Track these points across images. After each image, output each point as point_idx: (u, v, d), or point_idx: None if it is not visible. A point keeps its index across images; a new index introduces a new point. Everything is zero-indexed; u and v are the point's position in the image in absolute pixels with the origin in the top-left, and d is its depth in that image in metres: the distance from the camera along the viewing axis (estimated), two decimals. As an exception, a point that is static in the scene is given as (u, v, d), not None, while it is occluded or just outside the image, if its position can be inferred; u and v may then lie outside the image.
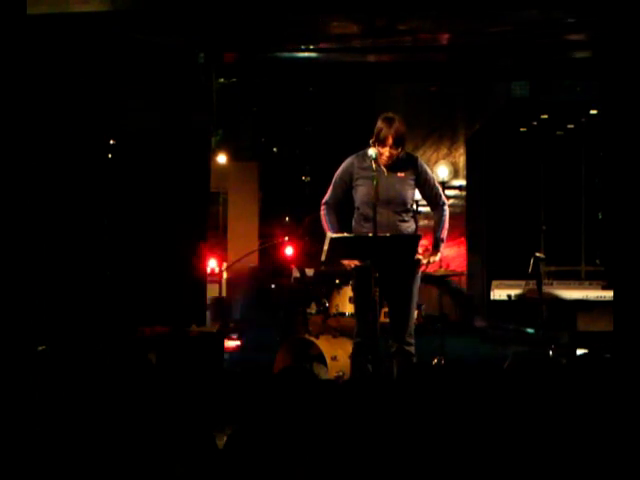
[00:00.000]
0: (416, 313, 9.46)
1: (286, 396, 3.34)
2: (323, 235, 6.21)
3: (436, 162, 13.23)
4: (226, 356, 8.02)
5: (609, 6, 6.76)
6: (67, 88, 7.97)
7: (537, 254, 7.67)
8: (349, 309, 7.62)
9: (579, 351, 8.23)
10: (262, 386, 3.69)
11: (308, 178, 13.09)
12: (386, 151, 5.99)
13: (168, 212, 8.47)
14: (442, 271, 9.85)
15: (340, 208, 6.26)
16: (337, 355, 7.38)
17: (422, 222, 7.36)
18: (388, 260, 5.88)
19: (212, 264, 11.07)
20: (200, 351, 6.96)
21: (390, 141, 5.99)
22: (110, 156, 8.49)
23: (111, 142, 8.50)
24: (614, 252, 6.49)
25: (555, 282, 8.87)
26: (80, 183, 8.14)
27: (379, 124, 6.05)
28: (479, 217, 11.98)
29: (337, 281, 7.92)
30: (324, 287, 8.18)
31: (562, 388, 3.53)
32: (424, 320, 9.78)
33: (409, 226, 6.14)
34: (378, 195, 5.80)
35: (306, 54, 9.15)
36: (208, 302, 9.54)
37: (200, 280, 8.95)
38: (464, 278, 11.94)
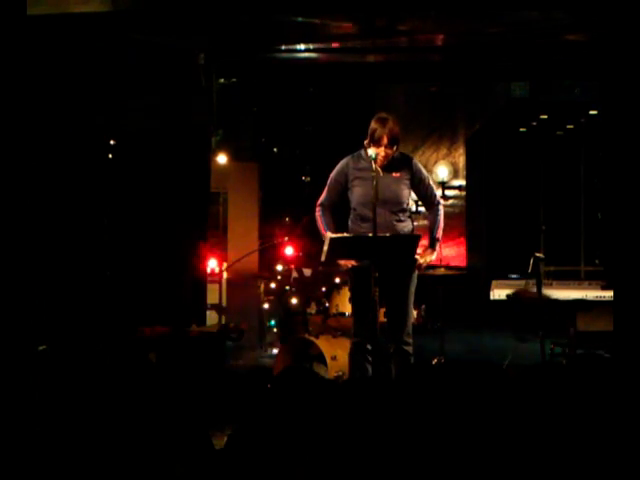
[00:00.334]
0: (416, 313, 9.50)
1: (286, 396, 3.34)
2: (321, 235, 6.23)
3: (436, 162, 13.24)
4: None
5: (609, 6, 6.76)
6: (67, 88, 7.97)
7: (537, 254, 7.67)
8: (349, 309, 7.62)
9: (579, 351, 8.24)
10: (262, 386, 3.70)
11: (308, 178, 13.09)
12: (381, 151, 5.99)
13: (168, 212, 8.47)
14: (442, 271, 9.86)
15: (335, 209, 6.27)
16: (337, 355, 7.39)
17: (423, 222, 7.37)
18: (387, 260, 5.88)
19: (212, 264, 11.08)
20: (200, 351, 6.96)
21: (385, 141, 5.98)
22: (110, 156, 8.49)
23: (111, 142, 8.50)
24: (614, 252, 6.49)
25: (555, 282, 8.87)
26: (80, 183, 8.14)
27: (373, 124, 6.05)
28: (479, 217, 11.99)
29: (337, 281, 7.93)
30: (322, 287, 8.19)
31: (562, 388, 3.54)
32: (424, 320, 9.79)
33: (405, 226, 6.15)
34: (377, 195, 5.80)
35: (306, 54, 9.14)
36: None
37: (200, 280, 8.96)
38: (464, 278, 11.94)
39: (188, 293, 8.53)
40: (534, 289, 7.87)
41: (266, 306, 12.28)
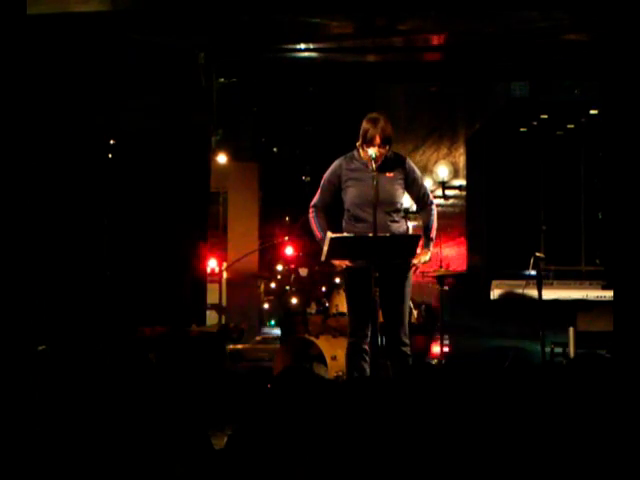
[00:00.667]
0: (416, 313, 9.51)
1: (286, 396, 3.34)
2: (314, 236, 6.23)
3: (436, 162, 13.24)
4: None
5: (609, 6, 6.76)
6: (67, 88, 7.97)
7: (537, 254, 7.67)
8: (349, 309, 7.63)
9: (579, 351, 8.24)
10: (262, 386, 3.70)
11: (308, 178, 13.11)
12: (375, 152, 5.98)
13: (168, 212, 8.47)
14: (442, 271, 9.86)
15: (328, 210, 6.25)
16: (337, 355, 7.39)
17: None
18: (387, 260, 5.88)
19: (212, 264, 11.10)
20: (200, 351, 6.96)
21: (378, 141, 5.96)
22: (110, 156, 8.49)
23: (111, 142, 8.50)
24: (614, 252, 6.49)
25: (555, 282, 8.87)
26: (80, 183, 8.15)
27: (364, 125, 6.03)
28: (479, 217, 11.99)
29: (337, 281, 7.94)
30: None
31: (562, 388, 3.54)
32: (424, 320, 9.80)
33: (400, 226, 6.14)
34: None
35: (306, 54, 9.15)
36: None
37: (200, 280, 8.96)
38: (464, 278, 11.96)
39: (188, 293, 8.53)
40: (534, 289, 7.87)
41: (266, 306, 12.29)
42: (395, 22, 8.01)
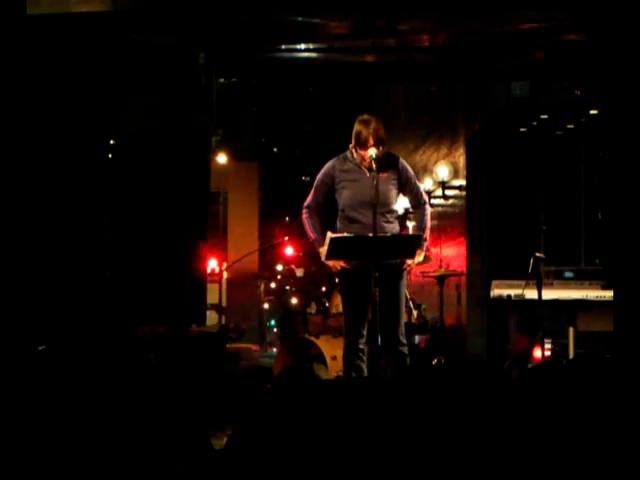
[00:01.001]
0: (416, 313, 9.52)
1: (286, 396, 3.34)
2: (308, 237, 6.24)
3: (436, 162, 13.24)
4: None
5: (609, 6, 6.76)
6: (67, 88, 7.97)
7: (537, 254, 7.67)
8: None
9: (579, 351, 8.23)
10: (262, 386, 3.70)
11: (308, 178, 13.12)
12: (368, 153, 5.97)
13: (168, 212, 8.47)
14: (442, 271, 9.87)
15: (321, 211, 6.26)
16: (337, 355, 7.40)
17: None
18: (386, 260, 5.89)
19: (212, 264, 11.11)
20: (200, 351, 6.96)
21: (371, 142, 5.96)
22: (110, 156, 8.49)
23: (111, 142, 8.50)
24: (614, 252, 6.49)
25: (555, 282, 8.87)
26: (80, 183, 8.15)
27: (357, 127, 6.03)
28: (479, 217, 11.99)
29: (337, 281, 7.94)
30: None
31: (562, 388, 3.54)
32: (424, 320, 9.81)
33: (394, 227, 6.14)
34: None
35: (306, 54, 9.15)
36: None
37: (200, 280, 8.96)
38: (464, 278, 11.96)
39: (188, 293, 8.53)
40: (534, 289, 7.88)
41: (266, 306, 12.31)
42: (395, 22, 8.01)
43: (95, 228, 8.21)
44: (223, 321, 16.60)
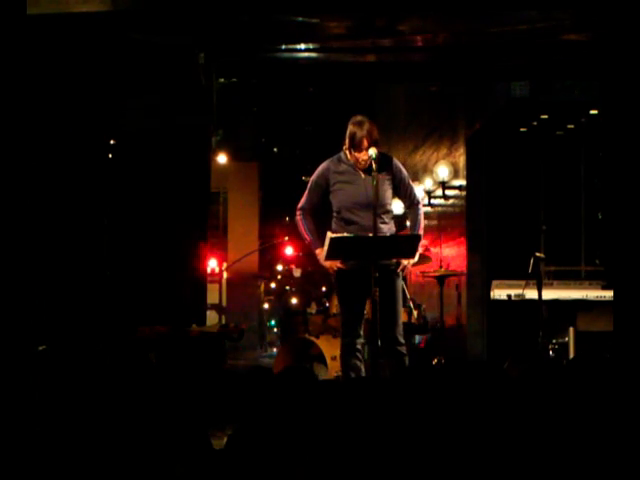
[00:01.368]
0: (416, 313, 9.51)
1: (286, 396, 3.34)
2: (303, 239, 6.24)
3: (436, 162, 13.23)
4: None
5: (609, 6, 6.76)
6: (67, 88, 7.97)
7: (537, 254, 7.68)
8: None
9: (579, 351, 8.24)
10: (262, 386, 3.70)
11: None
12: (363, 154, 5.97)
13: (168, 212, 8.47)
14: (442, 271, 9.87)
15: (315, 213, 6.26)
16: (337, 355, 7.39)
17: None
18: (386, 260, 5.90)
19: (212, 264, 11.10)
20: (200, 351, 6.96)
21: (366, 144, 5.96)
22: (110, 156, 8.49)
23: (111, 142, 8.50)
24: (614, 252, 6.49)
25: (555, 282, 8.87)
26: (80, 183, 8.15)
27: (351, 129, 6.02)
28: (479, 217, 11.98)
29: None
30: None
31: (562, 388, 3.54)
32: (424, 320, 9.81)
33: (390, 228, 6.14)
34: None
35: (306, 54, 9.15)
36: None
37: (200, 280, 8.96)
38: (464, 278, 11.96)
39: (188, 293, 8.53)
40: (534, 289, 7.88)
41: (266, 306, 12.32)
42: (395, 22, 8.01)
43: (95, 228, 8.21)
44: (223, 321, 16.60)
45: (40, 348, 5.42)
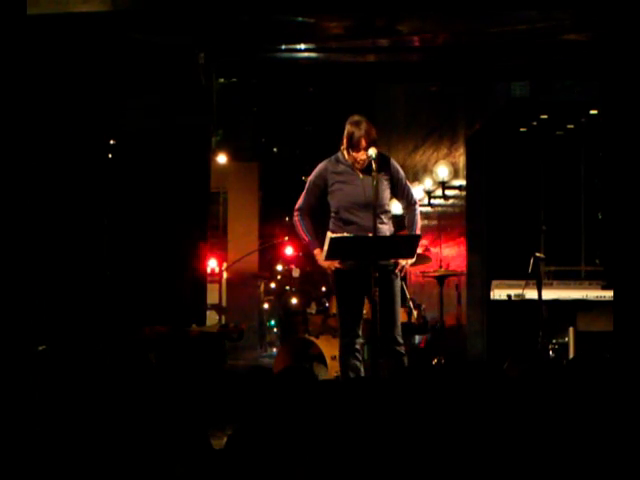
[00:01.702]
0: (416, 313, 9.52)
1: (286, 396, 3.34)
2: (301, 239, 6.25)
3: (436, 162, 13.23)
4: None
5: (609, 6, 6.77)
6: (67, 88, 7.97)
7: (537, 254, 7.67)
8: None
9: (579, 351, 8.24)
10: (262, 386, 3.70)
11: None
12: (361, 154, 5.97)
13: (168, 212, 8.47)
14: (442, 271, 9.88)
15: (313, 214, 6.26)
16: (337, 355, 7.39)
17: (422, 222, 7.35)
18: (386, 260, 5.90)
19: (212, 264, 11.09)
20: (200, 351, 6.96)
21: (364, 144, 5.96)
22: (110, 156, 8.49)
23: (111, 142, 8.50)
24: (614, 252, 6.49)
25: (555, 282, 8.87)
26: (80, 183, 8.15)
27: (348, 129, 6.03)
28: (479, 217, 11.97)
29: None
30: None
31: (562, 388, 3.54)
32: (424, 320, 9.81)
33: (388, 228, 6.14)
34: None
35: (306, 54, 9.15)
36: None
37: (200, 280, 8.96)
38: (464, 278, 11.96)
39: (188, 293, 8.53)
40: (534, 289, 7.88)
41: (266, 306, 12.31)
42: (395, 22, 8.01)
43: (95, 228, 8.21)
44: (223, 321, 16.60)
45: (40, 348, 5.42)
